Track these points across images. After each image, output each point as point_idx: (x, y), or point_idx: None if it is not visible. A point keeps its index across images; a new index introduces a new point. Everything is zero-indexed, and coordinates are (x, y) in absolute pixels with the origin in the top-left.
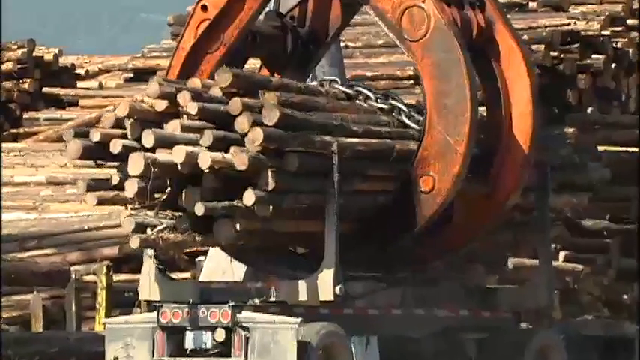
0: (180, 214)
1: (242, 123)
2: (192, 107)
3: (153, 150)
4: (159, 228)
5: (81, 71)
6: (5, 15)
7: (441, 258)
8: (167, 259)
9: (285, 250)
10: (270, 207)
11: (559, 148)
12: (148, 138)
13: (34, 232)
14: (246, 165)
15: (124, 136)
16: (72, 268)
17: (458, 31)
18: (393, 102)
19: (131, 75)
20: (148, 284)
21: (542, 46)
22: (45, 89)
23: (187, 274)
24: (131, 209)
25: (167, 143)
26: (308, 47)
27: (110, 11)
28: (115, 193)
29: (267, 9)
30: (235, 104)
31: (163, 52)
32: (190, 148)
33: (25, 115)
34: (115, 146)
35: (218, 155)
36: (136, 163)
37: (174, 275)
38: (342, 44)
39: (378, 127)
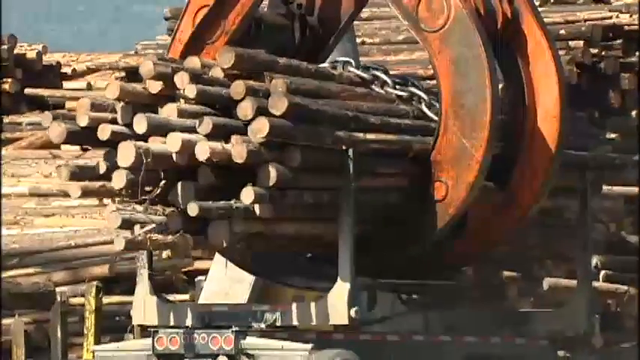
0: (172, 209)
1: (245, 108)
2: (191, 90)
3: (145, 137)
4: (147, 228)
5: (67, 70)
6: None
7: (452, 270)
8: (164, 279)
9: (294, 255)
10: (271, 206)
11: (597, 147)
12: (141, 123)
13: (16, 250)
14: (244, 158)
15: (114, 121)
16: (57, 290)
17: (480, 23)
18: (413, 89)
19: (123, 74)
20: (141, 307)
21: (582, 42)
22: (27, 90)
23: (186, 296)
24: (118, 202)
25: (162, 129)
26: (318, 37)
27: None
28: (102, 183)
29: None
30: (238, 87)
31: (159, 48)
32: (187, 136)
33: (6, 120)
34: (104, 132)
35: (217, 145)
36: (126, 153)
37: (171, 297)
38: (359, 40)
39: (396, 119)
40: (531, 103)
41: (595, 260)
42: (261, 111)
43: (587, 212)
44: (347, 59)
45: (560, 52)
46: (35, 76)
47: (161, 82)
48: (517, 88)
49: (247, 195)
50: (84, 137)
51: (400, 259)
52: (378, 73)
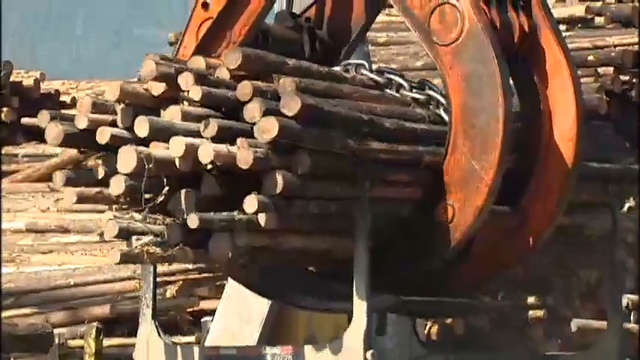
0: (171, 220)
1: (252, 110)
2: (196, 92)
3: (147, 142)
4: (144, 240)
5: (66, 98)
6: None
7: (457, 294)
8: (168, 320)
9: (302, 273)
10: (276, 216)
11: (621, 158)
12: (142, 126)
13: (11, 289)
14: (249, 164)
15: (114, 124)
16: (55, 331)
17: (496, 38)
18: (430, 92)
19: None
20: (144, 350)
21: (611, 69)
22: (24, 120)
23: (191, 338)
24: (116, 209)
25: (164, 133)
26: (329, 49)
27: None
28: (99, 189)
29: (278, 9)
30: (245, 88)
31: None
32: (191, 140)
33: (1, 151)
34: (103, 135)
35: (222, 148)
36: (127, 158)
37: (175, 339)
38: (374, 66)
39: (412, 123)
40: (547, 121)
41: (626, 300)
42: (270, 113)
43: (617, 236)
44: (359, 62)
45: (589, 80)
46: (32, 105)
47: (164, 84)
48: (532, 106)
49: (251, 203)
50: (82, 140)
51: (414, 278)
52: (392, 77)
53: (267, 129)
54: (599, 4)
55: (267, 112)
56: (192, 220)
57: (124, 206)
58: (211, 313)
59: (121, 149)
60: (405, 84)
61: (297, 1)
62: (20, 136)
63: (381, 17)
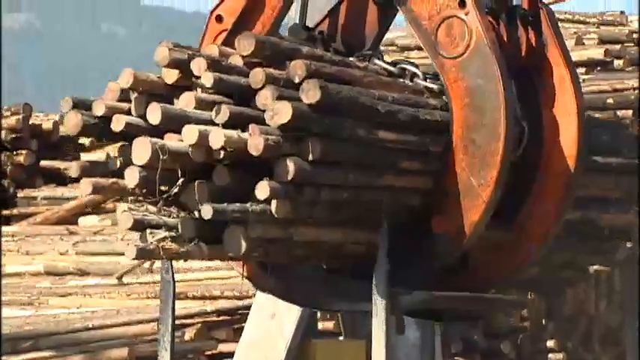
0: (185, 215)
1: (264, 97)
2: (208, 78)
3: (162, 132)
4: (159, 236)
5: (85, 141)
6: None
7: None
8: None
9: (335, 276)
10: (288, 203)
11: (630, 152)
12: (155, 113)
13: (30, 332)
14: (260, 150)
15: (130, 112)
16: None
17: (502, 54)
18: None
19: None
20: None
21: (630, 112)
22: (43, 163)
23: None
24: (131, 201)
25: (177, 121)
26: None
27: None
28: (114, 180)
29: (291, 23)
30: (257, 75)
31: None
32: (204, 127)
33: (20, 194)
34: (118, 123)
35: (233, 134)
36: (141, 150)
37: None
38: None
39: (425, 112)
40: (549, 138)
41: None
42: (282, 99)
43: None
44: (372, 52)
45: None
46: (51, 148)
47: (177, 71)
48: (535, 121)
49: (262, 190)
50: (100, 129)
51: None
52: (406, 66)
53: (281, 113)
54: (617, 47)
55: (279, 99)
56: (206, 211)
57: (139, 198)
58: (230, 355)
59: (135, 141)
60: (419, 73)
61: (309, 13)
62: (39, 178)
63: None
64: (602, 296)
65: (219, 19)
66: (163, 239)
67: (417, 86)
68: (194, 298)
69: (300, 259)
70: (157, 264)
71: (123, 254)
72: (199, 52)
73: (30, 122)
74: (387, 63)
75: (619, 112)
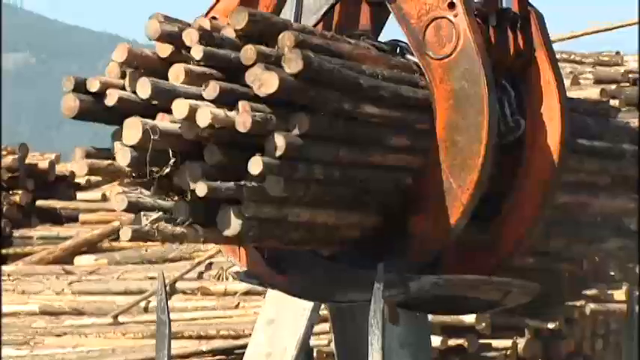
0: (178, 198)
1: (254, 74)
2: (198, 51)
3: (156, 107)
4: (153, 217)
5: (81, 181)
6: None
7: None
8: None
9: (343, 267)
10: (281, 180)
11: (621, 141)
12: (144, 87)
13: None
14: (248, 127)
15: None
16: None
17: (489, 57)
18: None
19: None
20: None
21: None
22: (39, 202)
23: None
24: (126, 184)
25: (166, 95)
26: None
27: None
28: (110, 162)
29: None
30: (248, 52)
31: None
32: (194, 102)
33: (16, 233)
34: (111, 97)
35: (220, 112)
36: (132, 130)
37: None
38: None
39: (409, 91)
40: (531, 142)
41: None
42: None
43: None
44: (363, 31)
45: None
46: (47, 188)
47: (170, 46)
48: (518, 124)
49: (255, 164)
50: (95, 108)
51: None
52: (399, 43)
53: (267, 83)
54: (613, 87)
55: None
56: (201, 188)
57: (136, 180)
58: None
59: (126, 121)
60: (410, 49)
61: (304, 15)
62: (35, 218)
63: None
64: (598, 336)
65: (213, 20)
66: (158, 220)
67: (408, 63)
68: (190, 337)
69: (296, 242)
70: (153, 303)
71: (119, 294)
72: (190, 25)
73: (26, 162)
74: (380, 42)
75: None
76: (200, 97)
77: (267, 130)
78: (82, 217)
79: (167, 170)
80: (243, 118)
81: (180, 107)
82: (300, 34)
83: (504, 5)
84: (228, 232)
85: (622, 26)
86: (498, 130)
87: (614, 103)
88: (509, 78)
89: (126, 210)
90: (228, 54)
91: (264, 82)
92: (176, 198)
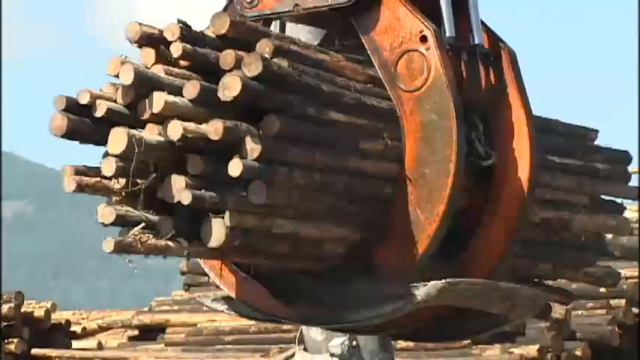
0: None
1: (222, 80)
2: (177, 48)
3: (142, 123)
4: (137, 228)
5: (77, 329)
6: None
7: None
8: None
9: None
10: (263, 186)
11: (595, 155)
12: (127, 74)
13: None
14: (220, 134)
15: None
16: None
17: (459, 92)
18: None
19: (136, 332)
20: None
21: (623, 301)
22: (34, 351)
23: None
24: (115, 201)
25: (148, 84)
26: None
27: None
28: (98, 179)
29: None
30: (228, 57)
31: (175, 305)
32: (172, 98)
33: None
34: (100, 108)
35: (190, 124)
36: (117, 140)
37: None
38: None
39: (373, 101)
40: (500, 178)
41: None
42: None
43: None
44: (344, 44)
45: (601, 312)
46: (43, 336)
47: (153, 50)
48: (488, 157)
49: (235, 167)
50: (84, 125)
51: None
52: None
53: (230, 86)
54: (609, 236)
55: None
56: (185, 197)
57: (124, 198)
58: None
59: (113, 130)
60: None
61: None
62: None
63: None
64: None
65: None
66: (142, 233)
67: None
68: None
69: (281, 258)
70: None
71: None
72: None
73: (22, 310)
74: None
75: (612, 302)
76: (181, 93)
77: (239, 135)
78: None
79: (150, 181)
80: (214, 126)
81: (158, 100)
82: (278, 41)
83: (476, 41)
84: (212, 244)
85: None
86: (469, 160)
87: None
88: (480, 113)
89: (113, 223)
90: (208, 53)
91: (227, 86)
92: (161, 212)
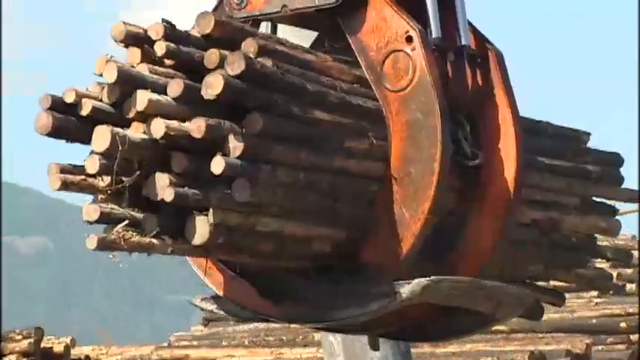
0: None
1: (204, 79)
2: (161, 47)
3: (128, 123)
4: (121, 225)
5: None
6: None
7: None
8: None
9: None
10: (247, 184)
11: (585, 157)
12: (111, 72)
13: None
14: (203, 132)
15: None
16: None
17: (444, 91)
18: None
19: None
20: None
21: None
22: None
23: None
24: (100, 199)
25: (132, 82)
26: None
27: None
28: (83, 177)
29: None
30: (212, 57)
31: (194, 340)
32: (156, 96)
33: None
34: (86, 107)
35: (173, 122)
36: (100, 137)
37: None
38: None
39: (358, 100)
40: (486, 179)
41: None
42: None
43: None
44: (334, 45)
45: (622, 347)
46: None
47: (138, 49)
48: (474, 157)
49: (218, 164)
50: (70, 124)
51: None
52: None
53: (213, 85)
54: (630, 271)
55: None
56: (168, 194)
57: (109, 196)
58: None
59: (96, 128)
60: None
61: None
62: None
63: None
64: None
65: None
66: (126, 230)
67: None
68: None
69: (266, 256)
70: None
71: None
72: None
73: (41, 346)
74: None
75: (632, 337)
76: (165, 92)
77: (222, 133)
78: None
79: (134, 179)
80: (197, 124)
81: (141, 98)
82: (263, 41)
83: (463, 42)
84: (196, 241)
85: None
86: (455, 159)
87: (630, 287)
88: (467, 114)
89: (98, 221)
90: (192, 52)
91: (209, 84)
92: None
